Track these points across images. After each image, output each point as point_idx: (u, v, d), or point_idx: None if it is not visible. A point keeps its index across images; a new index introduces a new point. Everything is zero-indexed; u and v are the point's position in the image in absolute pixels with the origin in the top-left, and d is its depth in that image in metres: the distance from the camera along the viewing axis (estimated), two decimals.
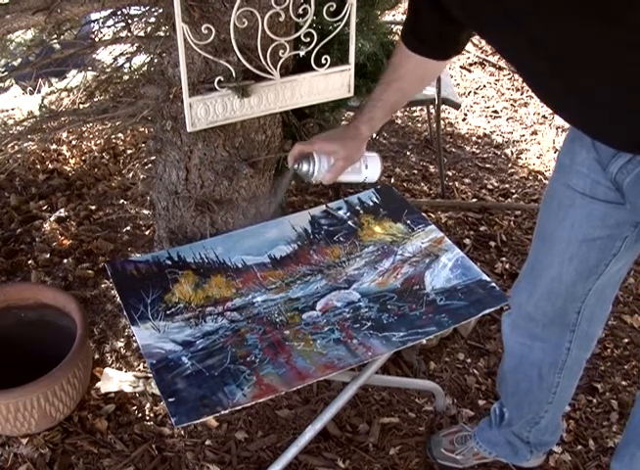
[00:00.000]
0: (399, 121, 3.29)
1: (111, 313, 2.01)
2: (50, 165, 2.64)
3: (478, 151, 3.10)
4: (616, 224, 1.19)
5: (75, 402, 1.68)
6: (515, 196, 2.74)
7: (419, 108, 3.31)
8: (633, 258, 1.29)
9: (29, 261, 2.18)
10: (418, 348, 1.97)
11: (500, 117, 3.39)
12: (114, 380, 1.77)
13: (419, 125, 3.28)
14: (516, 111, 3.44)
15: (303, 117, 1.75)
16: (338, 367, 1.21)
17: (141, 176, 2.54)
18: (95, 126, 2.29)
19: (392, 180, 2.77)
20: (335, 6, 1.39)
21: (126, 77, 1.80)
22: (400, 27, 1.33)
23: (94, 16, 1.63)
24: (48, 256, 2.20)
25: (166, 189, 1.62)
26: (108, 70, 1.85)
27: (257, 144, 1.56)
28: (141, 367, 1.84)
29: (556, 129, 3.23)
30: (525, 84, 3.46)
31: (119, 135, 2.73)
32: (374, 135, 2.78)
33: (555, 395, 1.45)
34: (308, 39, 1.39)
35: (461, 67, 3.86)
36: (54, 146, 2.68)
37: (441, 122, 2.75)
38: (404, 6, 3.02)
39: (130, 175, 2.61)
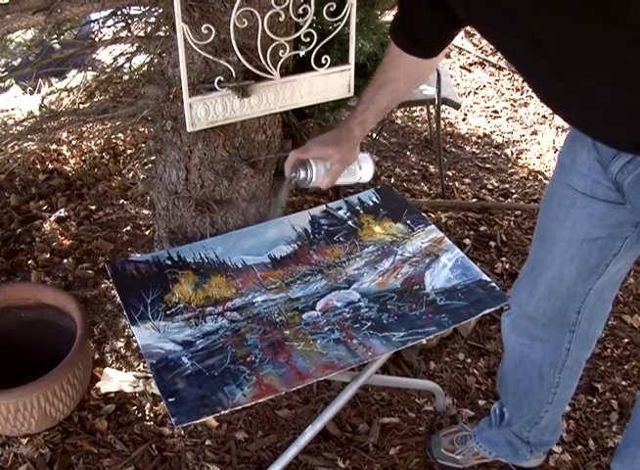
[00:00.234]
0: (399, 121, 3.29)
1: (111, 313, 2.01)
2: (50, 165, 2.64)
3: (478, 151, 3.10)
4: (616, 224, 1.19)
5: (75, 402, 1.68)
6: (515, 196, 2.74)
7: (419, 108, 3.31)
8: (633, 259, 1.29)
9: (29, 261, 2.18)
10: (418, 348, 1.97)
11: (500, 117, 3.39)
12: (114, 380, 1.77)
13: (419, 125, 3.28)
14: (516, 111, 3.44)
15: (303, 117, 1.75)
16: (338, 367, 1.21)
17: (141, 176, 2.54)
18: (95, 126, 2.29)
19: (392, 180, 2.77)
20: (335, 6, 1.39)
21: (126, 77, 1.80)
22: None
23: (94, 16, 1.63)
24: (48, 256, 2.20)
25: (166, 189, 1.62)
26: (108, 70, 1.85)
27: (257, 144, 1.56)
28: (141, 367, 1.84)
29: (556, 129, 3.23)
30: (525, 84, 3.48)
31: (119, 135, 2.73)
32: (374, 135, 2.78)
33: (555, 394, 1.45)
34: (308, 39, 1.39)
35: (461, 67, 3.86)
36: (54, 146, 2.68)
37: (441, 122, 2.75)
38: None
39: (130, 175, 2.61)
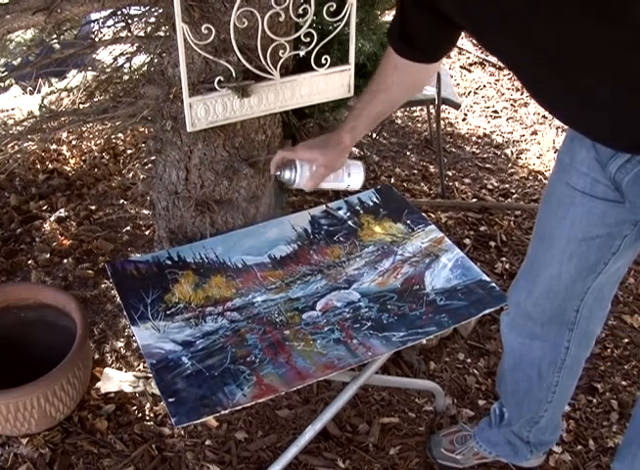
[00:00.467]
0: (399, 121, 3.29)
1: (111, 313, 2.01)
2: (50, 165, 2.64)
3: (478, 151, 3.10)
4: (615, 223, 1.19)
5: (75, 402, 1.68)
6: (515, 196, 2.74)
7: (419, 108, 3.31)
8: (633, 257, 1.29)
9: (29, 261, 2.18)
10: (418, 348, 1.97)
11: (500, 117, 3.39)
12: (114, 380, 1.77)
13: (419, 125, 3.28)
14: (516, 111, 3.44)
15: (303, 117, 1.75)
16: (338, 367, 1.21)
17: (141, 176, 2.54)
18: (95, 126, 2.29)
19: (392, 180, 2.77)
20: (335, 6, 1.39)
21: (126, 77, 1.80)
22: None
23: (94, 16, 1.63)
24: (48, 256, 2.20)
25: (166, 189, 1.62)
26: (108, 70, 1.85)
27: (257, 144, 1.56)
28: (141, 367, 1.84)
29: (556, 129, 3.23)
30: None
31: (119, 135, 2.73)
32: (374, 135, 2.78)
33: (554, 394, 1.45)
34: (308, 39, 1.39)
35: (461, 67, 3.86)
36: (54, 146, 2.68)
37: (441, 122, 2.75)
38: None
39: (130, 175, 2.61)
